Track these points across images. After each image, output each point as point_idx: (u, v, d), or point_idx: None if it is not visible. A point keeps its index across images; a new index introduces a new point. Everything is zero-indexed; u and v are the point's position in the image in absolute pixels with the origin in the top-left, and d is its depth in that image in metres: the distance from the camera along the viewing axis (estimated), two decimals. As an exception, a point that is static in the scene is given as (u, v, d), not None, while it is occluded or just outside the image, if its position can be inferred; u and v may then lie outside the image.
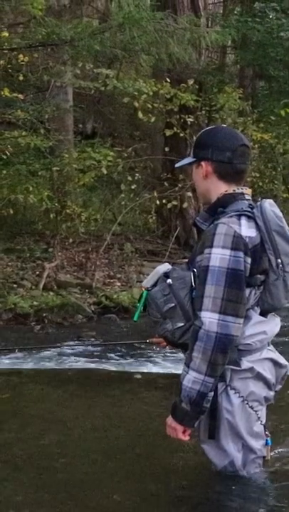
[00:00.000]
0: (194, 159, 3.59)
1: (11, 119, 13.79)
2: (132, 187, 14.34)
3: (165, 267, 3.65)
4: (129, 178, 14.20)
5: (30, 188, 12.90)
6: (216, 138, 3.55)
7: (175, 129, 14.74)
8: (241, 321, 3.34)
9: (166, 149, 15.39)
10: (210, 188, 3.56)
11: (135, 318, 3.74)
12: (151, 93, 13.85)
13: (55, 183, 13.85)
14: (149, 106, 14.07)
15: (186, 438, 3.49)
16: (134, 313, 3.78)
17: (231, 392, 3.45)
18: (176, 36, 11.53)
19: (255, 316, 3.48)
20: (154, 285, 3.59)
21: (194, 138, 11.69)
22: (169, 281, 3.50)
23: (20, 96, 13.22)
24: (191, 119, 14.75)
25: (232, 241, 3.30)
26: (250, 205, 3.50)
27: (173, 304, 3.47)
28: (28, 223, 14.68)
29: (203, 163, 3.53)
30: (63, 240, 13.92)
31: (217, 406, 3.43)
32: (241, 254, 3.31)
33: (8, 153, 13.04)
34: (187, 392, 3.34)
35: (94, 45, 11.04)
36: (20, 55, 12.46)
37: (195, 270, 3.44)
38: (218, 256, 3.30)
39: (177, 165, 3.88)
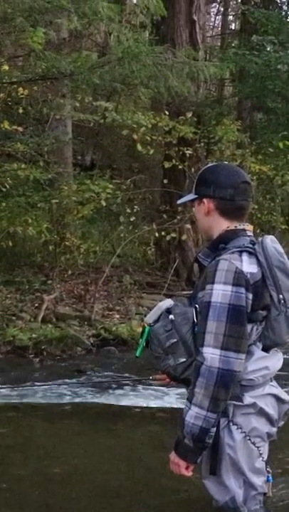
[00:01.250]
0: (196, 196, 3.62)
1: (10, 152, 13.85)
2: (131, 219, 14.36)
3: (168, 302, 3.66)
4: (128, 210, 14.22)
5: (30, 220, 12.91)
6: (217, 175, 3.57)
7: (174, 161, 14.80)
8: (243, 356, 3.33)
9: (165, 181, 15.45)
10: (212, 225, 3.59)
11: (138, 354, 3.69)
12: (150, 125, 13.93)
13: (54, 215, 13.86)
14: (148, 138, 14.14)
15: (189, 474, 3.46)
16: (136, 348, 3.76)
17: (233, 428, 3.43)
18: (175, 70, 11.62)
19: (258, 351, 3.47)
20: (157, 321, 3.60)
21: (193, 170, 11.81)
22: (172, 316, 3.52)
23: (20, 129, 13.28)
24: (189, 152, 14.81)
25: (234, 277, 3.31)
26: (252, 241, 3.52)
27: (175, 340, 3.48)
28: (27, 255, 14.69)
29: (205, 200, 3.56)
30: (62, 272, 13.91)
31: (219, 441, 3.40)
32: (243, 290, 3.31)
33: (8, 186, 13.07)
34: (190, 427, 3.32)
35: (93, 79, 11.11)
36: (20, 88, 12.53)
37: (197, 306, 3.44)
38: (220, 292, 3.30)
39: (179, 201, 3.93)
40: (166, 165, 15.00)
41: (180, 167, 14.91)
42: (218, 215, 3.55)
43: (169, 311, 3.58)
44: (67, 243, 13.84)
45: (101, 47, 18.89)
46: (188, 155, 14.84)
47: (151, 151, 14.48)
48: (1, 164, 13.50)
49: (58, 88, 13.42)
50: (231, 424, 3.42)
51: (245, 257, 3.40)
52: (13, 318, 12.14)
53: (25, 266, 14.31)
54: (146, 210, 15.87)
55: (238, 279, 3.32)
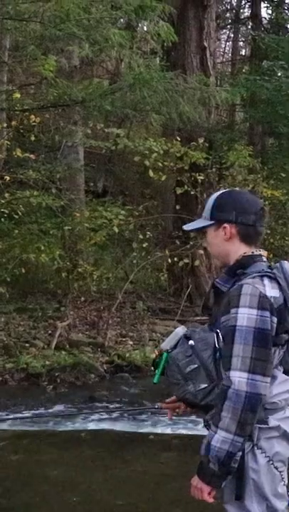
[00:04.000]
0: (213, 222, 3.53)
1: (22, 179, 13.88)
2: (144, 245, 14.33)
3: (183, 329, 3.63)
4: (141, 236, 14.20)
5: (42, 247, 12.92)
6: (239, 201, 3.55)
7: (186, 186, 14.80)
8: (269, 379, 3.31)
9: (177, 207, 15.43)
10: (231, 250, 3.52)
11: (156, 381, 3.59)
12: (161, 152, 13.93)
13: (67, 241, 13.87)
14: (160, 164, 14.14)
15: (211, 500, 3.38)
16: (151, 374, 3.81)
17: (258, 452, 3.37)
18: (186, 95, 11.66)
19: (280, 374, 3.47)
20: (174, 347, 3.54)
21: (205, 196, 11.81)
22: (192, 342, 3.47)
23: (32, 156, 13.32)
24: (201, 177, 14.81)
25: (258, 301, 3.30)
26: (269, 266, 3.53)
27: (196, 365, 3.42)
28: (39, 282, 14.69)
29: (227, 225, 3.48)
30: (75, 299, 13.90)
31: (244, 465, 3.35)
32: (268, 313, 3.31)
33: (20, 213, 13.09)
34: (216, 452, 3.26)
35: (105, 105, 11.14)
36: (32, 116, 12.57)
37: (218, 331, 3.37)
38: (245, 316, 3.28)
39: (191, 228, 3.75)
40: (179, 191, 15.00)
41: (192, 193, 14.90)
42: (239, 240, 3.51)
43: (187, 336, 3.52)
44: (80, 270, 13.81)
45: (112, 74, 19.01)
46: (200, 181, 14.84)
47: (163, 177, 14.47)
48: (14, 192, 13.52)
49: (69, 115, 13.47)
50: (256, 448, 3.37)
51: (266, 281, 3.38)
52: (27, 345, 12.13)
53: (38, 293, 14.31)
54: (158, 236, 15.86)
55: (263, 303, 3.31)
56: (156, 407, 3.96)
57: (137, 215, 14.48)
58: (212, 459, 3.28)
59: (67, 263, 13.64)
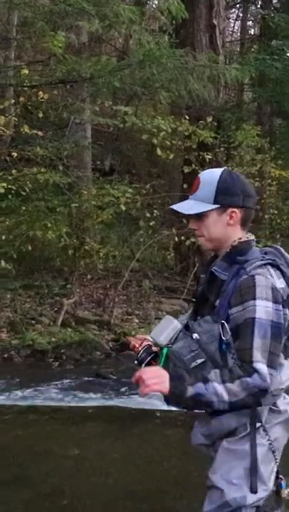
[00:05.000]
0: (218, 206, 3.36)
1: (29, 156, 13.83)
2: (151, 224, 14.30)
3: (178, 320, 3.44)
4: (148, 214, 14.17)
5: (49, 225, 12.90)
6: (243, 184, 3.40)
7: (193, 165, 14.73)
8: (277, 373, 3.29)
9: (185, 186, 15.37)
10: (230, 236, 3.40)
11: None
12: (169, 130, 13.85)
13: (74, 219, 13.84)
14: (168, 143, 14.07)
15: (144, 392, 3.15)
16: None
17: (263, 434, 3.36)
18: (196, 73, 11.57)
19: (286, 362, 3.42)
20: (172, 341, 3.35)
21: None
22: (196, 336, 3.28)
23: (40, 133, 13.26)
24: (209, 156, 14.74)
25: (272, 294, 3.25)
26: (261, 251, 3.48)
27: (202, 360, 3.25)
28: (46, 259, 14.67)
29: (236, 210, 3.36)
30: (81, 277, 13.89)
31: (255, 442, 3.31)
32: (280, 307, 3.27)
33: (27, 190, 13.05)
34: (204, 391, 3.13)
35: (114, 82, 11.07)
36: (40, 92, 12.50)
37: (224, 323, 3.23)
38: (263, 308, 3.21)
39: (194, 212, 3.40)
40: (186, 169, 14.92)
41: (200, 172, 14.82)
42: (240, 225, 3.42)
43: (188, 329, 3.33)
44: (86, 247, 13.79)
45: (120, 51, 18.88)
46: (208, 160, 14.77)
47: (171, 156, 14.40)
48: (21, 168, 13.48)
49: (77, 92, 13.41)
50: (262, 429, 3.36)
51: (272, 271, 3.34)
52: (33, 322, 12.15)
53: (44, 270, 14.31)
54: (165, 214, 15.80)
55: (276, 296, 3.27)
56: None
57: (144, 193, 14.44)
58: (196, 388, 3.13)
59: (74, 240, 13.62)
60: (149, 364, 3.38)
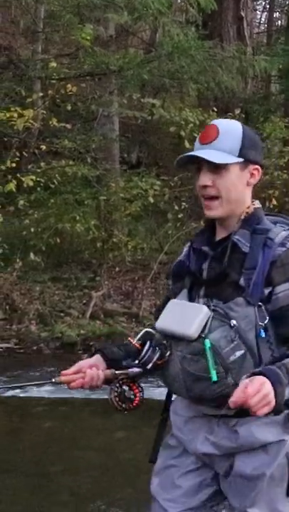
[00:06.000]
0: (242, 160, 2.85)
1: (57, 149, 13.87)
2: (179, 216, 14.28)
3: (204, 306, 2.83)
4: (176, 207, 14.16)
5: (77, 217, 12.94)
6: (259, 140, 3.03)
7: (221, 158, 14.67)
8: None
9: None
10: (246, 199, 2.92)
11: (215, 379, 2.69)
12: (197, 122, 13.82)
13: (102, 212, 13.86)
14: (196, 135, 14.02)
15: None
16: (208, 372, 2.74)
17: None
18: (225, 65, 11.57)
19: None
20: (203, 330, 2.77)
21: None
22: (234, 322, 2.73)
23: (68, 126, 13.28)
24: (237, 148, 14.70)
25: None
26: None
27: (242, 352, 2.72)
28: (74, 252, 14.69)
29: (258, 167, 2.90)
30: (110, 269, 13.90)
31: None
32: None
33: (56, 183, 13.10)
34: None
35: (142, 75, 11.07)
36: (69, 85, 12.53)
37: (261, 304, 2.76)
38: None
39: (219, 161, 2.80)
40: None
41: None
42: (252, 187, 2.96)
43: (226, 315, 2.76)
44: (114, 240, 13.81)
45: (147, 44, 18.84)
46: (236, 152, 14.72)
47: (199, 148, 14.35)
48: (49, 161, 13.53)
49: (105, 85, 13.42)
50: None
51: None
52: (62, 314, 12.19)
53: (72, 263, 14.32)
54: (193, 207, 15.77)
55: None
56: (54, 380, 2.94)
57: (172, 186, 14.42)
58: None
59: (103, 233, 13.64)
60: (155, 366, 2.87)
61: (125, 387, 2.87)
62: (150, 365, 2.86)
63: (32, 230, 13.16)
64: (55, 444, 6.91)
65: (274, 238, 2.81)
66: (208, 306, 2.79)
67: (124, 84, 11.86)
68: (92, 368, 2.89)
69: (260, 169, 2.90)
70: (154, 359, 2.86)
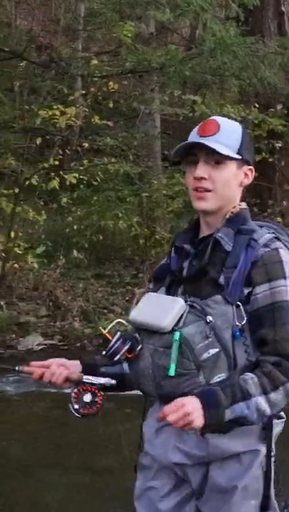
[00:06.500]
0: (240, 158, 2.79)
1: (100, 147, 13.94)
2: (220, 213, 14.26)
3: (180, 299, 2.73)
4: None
5: (120, 214, 13.00)
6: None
7: (263, 154, 14.63)
8: None
9: (255, 174, 15.28)
10: (236, 199, 2.85)
11: (172, 373, 2.60)
12: (239, 118, 13.80)
13: (144, 209, 13.89)
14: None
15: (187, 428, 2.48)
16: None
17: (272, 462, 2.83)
18: (268, 60, 11.52)
19: None
20: (177, 323, 2.66)
21: (283, 163, 11.60)
22: (210, 318, 2.63)
23: (110, 123, 13.35)
24: (279, 144, 14.65)
25: None
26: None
27: (217, 350, 2.61)
28: (117, 249, 14.75)
29: (252, 168, 2.84)
30: (152, 266, 13.90)
31: (270, 477, 2.77)
32: None
33: (98, 180, 13.18)
34: (245, 411, 2.53)
35: (184, 71, 11.07)
36: (111, 83, 12.59)
37: (239, 304, 2.66)
38: None
39: (227, 153, 2.73)
40: (256, 158, 14.84)
41: (270, 160, 14.75)
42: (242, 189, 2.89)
43: (203, 311, 2.66)
44: (157, 237, 13.83)
45: (187, 40, 18.84)
46: (278, 148, 14.68)
47: (241, 144, 14.33)
48: (91, 159, 13.60)
49: (147, 82, 13.45)
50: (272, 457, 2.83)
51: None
52: (105, 311, 12.24)
53: (115, 260, 14.39)
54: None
55: None
56: (17, 369, 2.91)
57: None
58: (232, 410, 2.52)
59: (145, 230, 13.68)
60: (125, 358, 2.79)
61: (85, 392, 2.77)
62: (118, 357, 2.77)
63: (75, 227, 13.26)
64: (100, 440, 6.96)
65: (258, 239, 2.74)
66: (186, 301, 2.69)
67: (166, 81, 11.85)
68: (59, 366, 2.86)
69: (253, 170, 2.83)
70: (123, 350, 2.76)
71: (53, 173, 12.42)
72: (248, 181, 2.83)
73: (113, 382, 2.79)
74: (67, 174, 12.45)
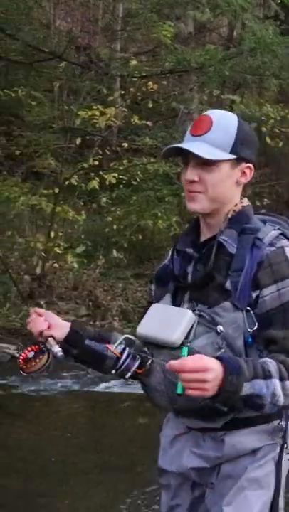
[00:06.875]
0: (234, 157, 2.64)
1: (138, 146, 13.96)
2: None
3: (188, 311, 2.63)
4: (258, 203, 14.10)
5: (159, 214, 13.01)
6: (255, 138, 2.80)
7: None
8: None
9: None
10: (234, 198, 2.71)
11: (180, 391, 2.35)
12: (278, 118, 13.76)
13: (184, 208, 13.89)
14: (277, 131, 13.97)
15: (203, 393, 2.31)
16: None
17: (287, 456, 2.75)
18: (307, 59, 11.50)
19: None
20: (187, 337, 2.57)
21: None
22: (220, 328, 2.53)
23: (149, 123, 13.38)
24: None
25: None
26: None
27: None
28: (156, 249, 14.73)
29: (250, 165, 2.68)
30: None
31: (280, 469, 2.70)
32: None
33: (138, 180, 13.21)
34: (264, 390, 2.41)
35: (224, 71, 11.06)
36: (150, 83, 12.62)
37: (249, 309, 2.56)
38: None
39: (215, 158, 2.60)
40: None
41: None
42: (242, 187, 2.76)
43: (213, 321, 2.56)
44: (195, 237, 13.81)
45: (225, 40, 18.80)
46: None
47: (280, 144, 14.29)
48: (131, 158, 13.64)
49: (186, 82, 13.46)
50: (285, 451, 2.77)
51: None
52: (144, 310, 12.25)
53: (154, 259, 14.36)
54: (274, 203, 15.71)
55: None
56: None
57: (253, 182, 14.36)
58: (252, 384, 2.40)
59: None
60: (135, 375, 2.66)
61: (33, 351, 2.75)
62: (128, 375, 2.64)
63: (114, 227, 13.30)
64: (142, 441, 6.98)
65: (263, 238, 2.64)
66: (193, 311, 2.60)
67: (206, 81, 11.85)
68: (44, 321, 2.78)
69: (252, 168, 2.68)
70: (134, 368, 2.64)
71: (92, 173, 12.47)
72: (245, 179, 2.70)
73: (60, 355, 2.70)
74: (107, 174, 12.49)
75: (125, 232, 13.25)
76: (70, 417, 8.04)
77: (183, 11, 11.61)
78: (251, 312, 2.54)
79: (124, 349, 2.66)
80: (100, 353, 2.77)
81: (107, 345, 2.72)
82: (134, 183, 13.31)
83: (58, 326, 2.78)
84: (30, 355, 2.73)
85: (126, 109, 13.58)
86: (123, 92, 13.75)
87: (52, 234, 12.18)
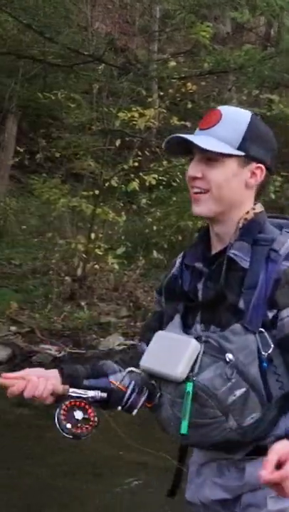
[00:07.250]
0: (242, 154, 2.38)
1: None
2: (300, 212, 14.19)
3: (192, 339, 2.35)
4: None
5: (198, 215, 13.01)
6: (274, 141, 2.51)
7: None
8: None
9: None
10: (244, 202, 2.42)
11: (185, 431, 2.27)
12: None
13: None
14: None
15: None
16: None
17: None
18: None
19: None
20: (192, 369, 2.31)
21: None
22: (230, 356, 2.27)
23: (188, 124, 13.39)
24: None
25: None
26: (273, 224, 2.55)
27: (244, 389, 2.28)
28: (194, 249, 14.81)
29: (261, 166, 2.41)
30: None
31: None
32: None
33: (178, 180, 13.23)
34: None
35: (263, 71, 11.06)
36: (188, 84, 12.65)
37: (263, 331, 2.31)
38: None
39: (218, 150, 2.34)
40: None
41: None
42: (255, 191, 2.45)
43: (223, 350, 2.30)
44: (235, 237, 13.80)
45: (263, 39, 18.76)
46: None
47: None
48: (170, 160, 13.66)
49: (225, 82, 13.47)
50: None
51: None
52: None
53: (194, 260, 14.43)
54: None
55: None
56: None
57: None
58: None
59: (223, 230, 13.65)
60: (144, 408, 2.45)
61: (76, 408, 2.42)
62: (135, 411, 2.43)
63: (154, 228, 13.32)
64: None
65: (279, 250, 2.35)
66: (199, 338, 2.33)
67: (246, 81, 11.86)
68: (39, 378, 2.44)
69: (264, 169, 2.40)
70: (141, 403, 2.43)
71: (132, 175, 12.51)
72: (256, 181, 2.40)
73: (104, 395, 2.46)
74: (147, 175, 12.53)
75: (165, 233, 13.27)
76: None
77: (221, 12, 11.61)
78: (265, 333, 2.30)
79: (129, 383, 2.45)
80: (103, 388, 2.51)
81: (112, 381, 2.51)
82: (174, 184, 13.32)
83: (52, 377, 2.49)
84: (79, 415, 2.42)
85: (165, 110, 13.61)
86: (162, 93, 13.76)
87: (92, 235, 12.23)
